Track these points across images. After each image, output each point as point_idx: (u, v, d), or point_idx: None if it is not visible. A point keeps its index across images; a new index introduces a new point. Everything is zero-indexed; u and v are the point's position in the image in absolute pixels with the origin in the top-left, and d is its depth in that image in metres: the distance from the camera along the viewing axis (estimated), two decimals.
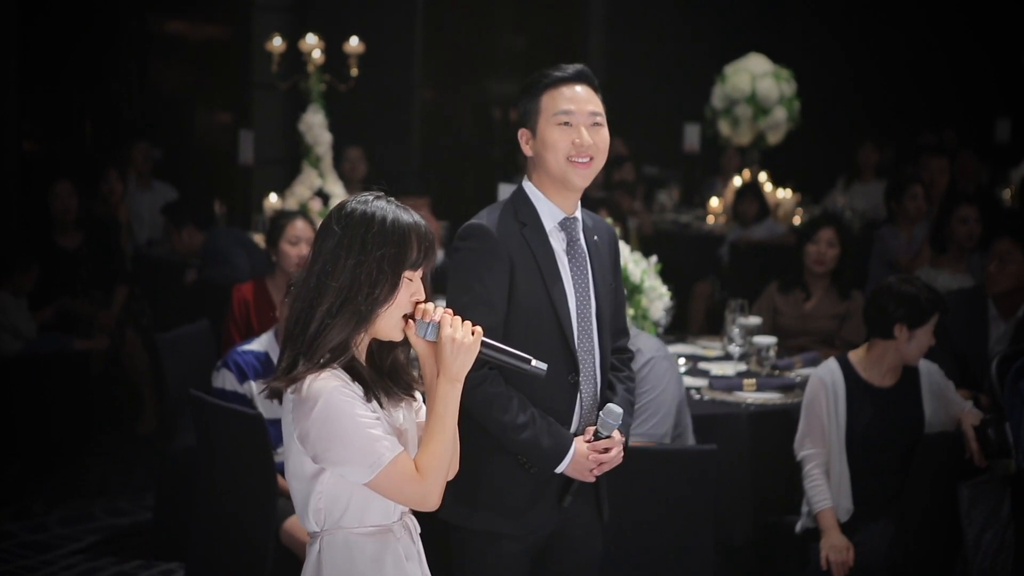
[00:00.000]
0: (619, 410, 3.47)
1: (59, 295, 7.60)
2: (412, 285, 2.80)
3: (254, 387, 4.91)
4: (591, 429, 3.50)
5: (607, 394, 3.62)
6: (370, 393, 2.77)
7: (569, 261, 3.53)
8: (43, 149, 9.82)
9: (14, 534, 6.10)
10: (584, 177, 3.50)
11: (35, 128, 9.72)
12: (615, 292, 3.68)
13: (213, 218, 8.47)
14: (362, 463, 2.71)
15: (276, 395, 2.82)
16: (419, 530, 2.92)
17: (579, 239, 3.56)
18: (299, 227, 5.99)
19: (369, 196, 2.83)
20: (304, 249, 5.92)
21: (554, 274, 3.49)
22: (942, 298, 4.85)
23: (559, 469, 3.47)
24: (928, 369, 4.89)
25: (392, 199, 2.85)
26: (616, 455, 3.51)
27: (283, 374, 2.78)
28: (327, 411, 2.70)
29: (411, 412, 2.89)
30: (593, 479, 3.52)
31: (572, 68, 3.54)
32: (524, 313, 3.44)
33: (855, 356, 4.90)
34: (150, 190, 9.32)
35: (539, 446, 3.43)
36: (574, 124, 3.48)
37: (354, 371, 2.77)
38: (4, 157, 9.00)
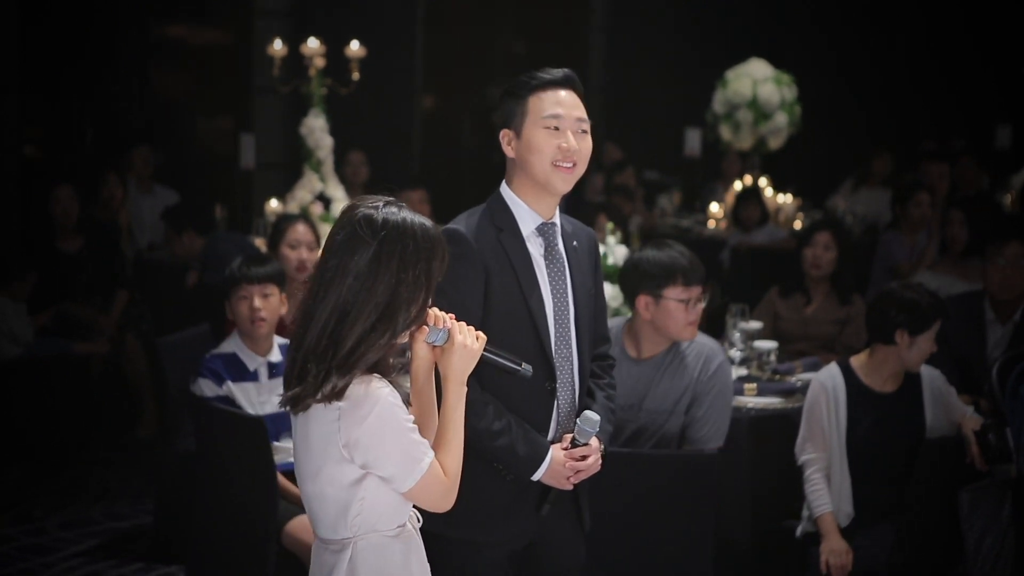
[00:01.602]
0: (596, 417, 3.44)
1: (60, 299, 7.60)
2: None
3: (232, 388, 4.93)
4: (568, 436, 3.48)
5: (587, 401, 3.59)
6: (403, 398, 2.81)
7: (547, 266, 3.50)
8: (44, 154, 9.83)
9: (14, 538, 6.10)
10: (567, 182, 3.46)
11: (36, 133, 9.74)
12: (595, 298, 3.64)
13: (213, 223, 8.48)
14: (406, 470, 2.75)
15: (303, 409, 2.76)
16: (421, 522, 2.95)
17: (557, 244, 3.53)
18: (300, 231, 5.98)
19: (393, 207, 2.79)
20: (304, 253, 5.91)
21: (531, 280, 3.46)
22: (944, 305, 4.84)
23: (535, 477, 3.45)
24: (930, 375, 4.88)
25: (404, 205, 2.84)
26: (594, 463, 3.49)
27: (312, 392, 2.71)
28: (381, 418, 2.71)
29: None
30: (571, 487, 3.49)
31: (560, 72, 3.49)
32: (500, 319, 3.40)
33: (857, 361, 4.89)
34: (151, 194, 9.32)
35: (515, 453, 3.41)
36: (562, 129, 3.44)
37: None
38: (5, 161, 9.01)
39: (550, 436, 3.50)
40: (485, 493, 3.45)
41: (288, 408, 2.79)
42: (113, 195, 8.75)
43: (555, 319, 3.49)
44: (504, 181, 3.55)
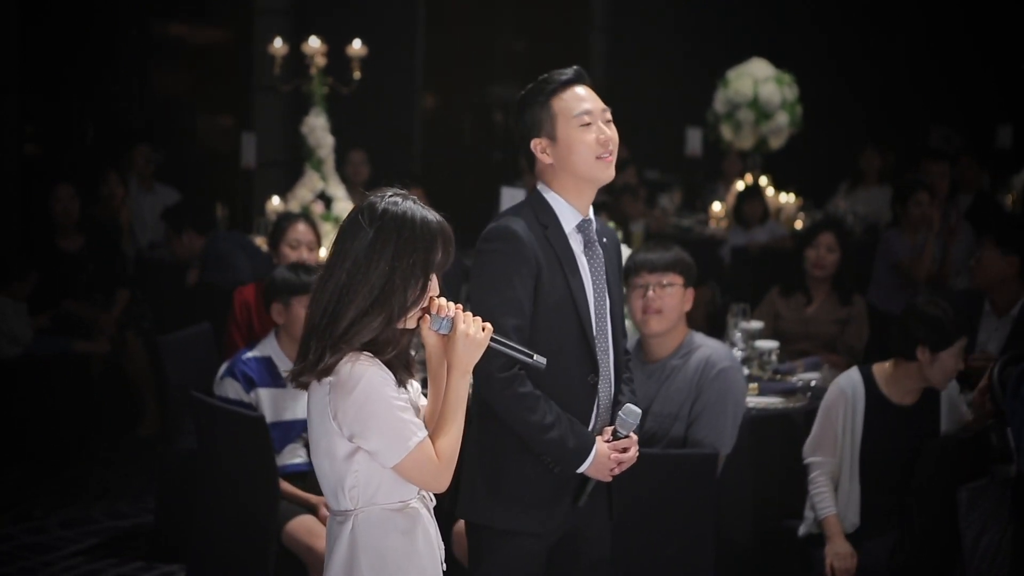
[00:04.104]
0: (638, 410, 3.52)
1: (60, 298, 7.59)
2: (430, 284, 2.91)
3: (262, 394, 4.89)
4: (609, 429, 3.55)
5: (617, 396, 3.65)
6: (399, 379, 2.89)
7: (588, 262, 3.57)
8: (44, 153, 9.82)
9: (15, 536, 6.10)
10: (610, 169, 3.54)
11: (36, 132, 9.73)
12: (621, 295, 3.73)
13: (213, 222, 8.46)
14: (392, 445, 2.84)
15: (302, 386, 2.92)
16: (434, 503, 3.03)
17: (594, 240, 3.59)
18: (300, 230, 5.97)
19: (397, 198, 2.92)
20: (304, 252, 5.91)
21: (576, 275, 3.52)
22: (968, 322, 4.79)
23: (581, 469, 3.50)
24: (948, 386, 4.83)
25: (414, 197, 2.94)
26: (634, 455, 3.57)
27: (311, 367, 2.86)
28: (366, 393, 2.82)
29: (414, 392, 2.99)
30: (610, 479, 3.56)
31: (570, 70, 3.57)
32: (548, 314, 3.47)
33: (879, 370, 4.82)
34: (152, 193, 9.31)
35: (565, 446, 3.46)
36: (593, 122, 3.51)
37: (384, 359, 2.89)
38: (6, 161, 9.00)
39: (590, 428, 3.56)
40: (530, 485, 3.50)
41: (293, 384, 2.92)
42: (114, 193, 8.75)
43: (596, 313, 3.55)
44: (540, 183, 3.59)
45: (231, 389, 4.89)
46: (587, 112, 3.51)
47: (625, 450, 3.54)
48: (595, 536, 3.66)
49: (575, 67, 3.59)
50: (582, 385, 3.52)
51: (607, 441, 3.53)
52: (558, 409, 3.46)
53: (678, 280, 4.68)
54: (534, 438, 3.44)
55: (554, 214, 3.54)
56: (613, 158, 3.54)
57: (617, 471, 3.55)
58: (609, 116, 3.55)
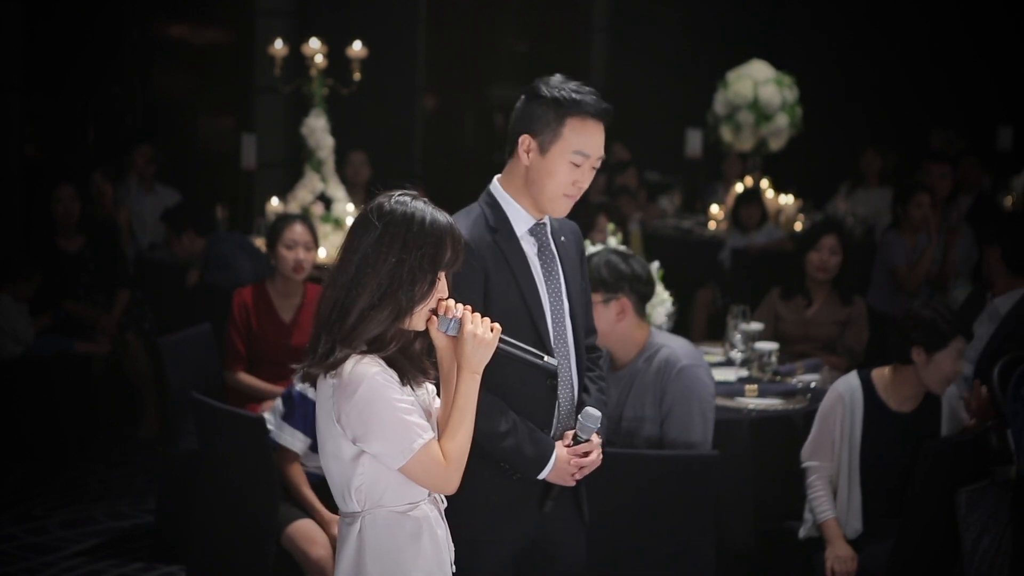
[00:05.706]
0: (598, 414, 3.46)
1: (61, 299, 7.60)
2: (439, 283, 2.95)
3: None
4: (570, 434, 3.49)
5: (581, 396, 3.61)
6: (405, 379, 2.92)
7: (541, 265, 3.52)
8: (46, 154, 9.83)
9: (16, 536, 6.10)
10: (568, 208, 3.52)
11: (38, 133, 9.73)
12: (584, 292, 3.67)
13: (213, 223, 8.47)
14: (397, 448, 2.86)
15: (311, 380, 2.95)
16: (445, 504, 3.06)
17: (549, 243, 3.55)
18: (297, 231, 5.97)
19: (407, 197, 2.96)
20: (301, 253, 5.91)
21: (528, 280, 3.48)
22: (964, 323, 4.76)
23: (541, 476, 3.46)
24: (948, 391, 4.81)
25: (426, 200, 2.97)
26: (596, 458, 3.51)
27: (320, 360, 2.89)
28: (368, 395, 2.84)
29: (428, 395, 3.02)
30: (574, 483, 3.51)
31: (600, 105, 3.46)
32: (499, 320, 3.36)
33: (879, 376, 4.79)
34: (152, 193, 9.32)
35: (522, 454, 3.42)
36: (583, 167, 3.46)
37: (389, 358, 2.91)
38: (7, 162, 9.01)
39: (551, 434, 3.51)
40: (490, 492, 3.46)
41: (306, 382, 2.96)
42: (102, 192, 8.74)
43: (552, 317, 3.51)
44: (498, 178, 3.55)
45: (311, 389, 4.79)
46: (584, 155, 3.44)
47: (587, 454, 3.48)
48: (568, 542, 3.61)
49: (606, 105, 3.47)
50: (541, 391, 3.48)
51: (568, 446, 3.47)
52: (515, 417, 3.42)
53: (596, 298, 4.54)
54: (490, 446, 3.39)
55: (505, 217, 3.50)
56: (575, 199, 3.50)
57: (579, 476, 3.49)
58: (598, 165, 3.49)
